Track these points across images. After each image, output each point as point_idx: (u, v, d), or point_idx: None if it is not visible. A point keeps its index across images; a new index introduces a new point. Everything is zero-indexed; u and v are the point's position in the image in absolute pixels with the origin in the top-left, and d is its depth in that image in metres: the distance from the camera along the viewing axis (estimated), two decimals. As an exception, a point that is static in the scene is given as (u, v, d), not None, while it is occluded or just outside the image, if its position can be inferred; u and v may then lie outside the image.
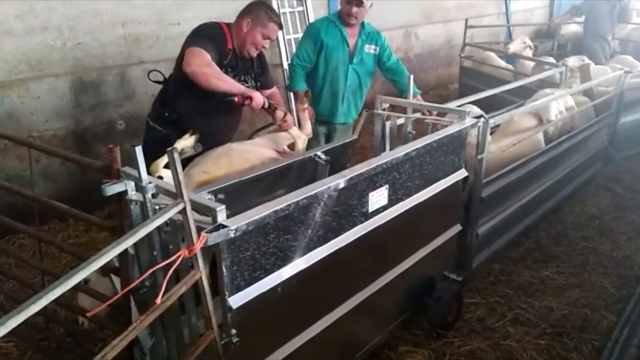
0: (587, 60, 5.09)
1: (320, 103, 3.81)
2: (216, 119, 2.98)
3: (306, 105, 3.19)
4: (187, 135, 3.14)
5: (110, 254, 1.34)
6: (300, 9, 5.72)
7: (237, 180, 2.43)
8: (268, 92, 3.28)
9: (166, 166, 2.43)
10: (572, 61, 5.09)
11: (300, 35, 5.67)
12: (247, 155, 2.78)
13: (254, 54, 3.05)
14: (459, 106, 3.28)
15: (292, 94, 3.92)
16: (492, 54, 6.57)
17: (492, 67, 6.34)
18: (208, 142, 2.79)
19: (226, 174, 2.58)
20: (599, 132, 4.66)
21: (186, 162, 2.70)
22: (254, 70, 3.13)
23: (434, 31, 7.78)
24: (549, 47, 8.69)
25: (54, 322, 2.71)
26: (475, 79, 6.42)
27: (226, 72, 2.87)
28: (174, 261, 1.56)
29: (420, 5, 7.39)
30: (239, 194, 2.39)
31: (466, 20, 6.86)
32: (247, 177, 2.49)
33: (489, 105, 3.88)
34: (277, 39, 5.50)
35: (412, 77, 3.28)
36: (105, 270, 2.14)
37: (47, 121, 4.02)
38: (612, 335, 2.61)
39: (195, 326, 2.00)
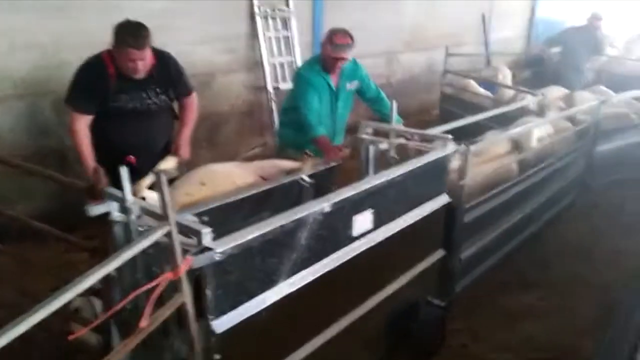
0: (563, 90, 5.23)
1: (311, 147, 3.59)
2: (121, 127, 3.11)
3: (309, 166, 3.00)
4: (168, 156, 3.13)
5: (94, 277, 1.32)
6: (286, 33, 5.80)
7: (221, 203, 2.42)
8: (185, 102, 3.32)
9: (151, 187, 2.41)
10: (551, 91, 5.24)
11: (284, 58, 5.77)
12: (232, 178, 2.77)
13: (138, 74, 2.97)
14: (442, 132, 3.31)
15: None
16: (472, 82, 6.71)
17: (472, 93, 6.47)
18: (120, 147, 3.08)
19: (209, 196, 2.57)
20: (577, 160, 4.76)
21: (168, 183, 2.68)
22: (155, 83, 3.09)
23: (416, 58, 7.93)
24: (528, 75, 8.92)
25: (32, 345, 2.63)
26: (456, 105, 6.53)
27: (117, 96, 3.01)
28: (158, 284, 1.54)
29: (402, 33, 7.54)
30: (223, 216, 2.37)
31: (446, 48, 7.00)
32: (231, 200, 2.47)
33: (468, 131, 3.94)
34: (262, 63, 5.53)
35: (395, 104, 3.31)
36: (85, 292, 2.10)
37: (29, 139, 3.97)
38: (594, 361, 2.63)
39: (177, 350, 1.96)
